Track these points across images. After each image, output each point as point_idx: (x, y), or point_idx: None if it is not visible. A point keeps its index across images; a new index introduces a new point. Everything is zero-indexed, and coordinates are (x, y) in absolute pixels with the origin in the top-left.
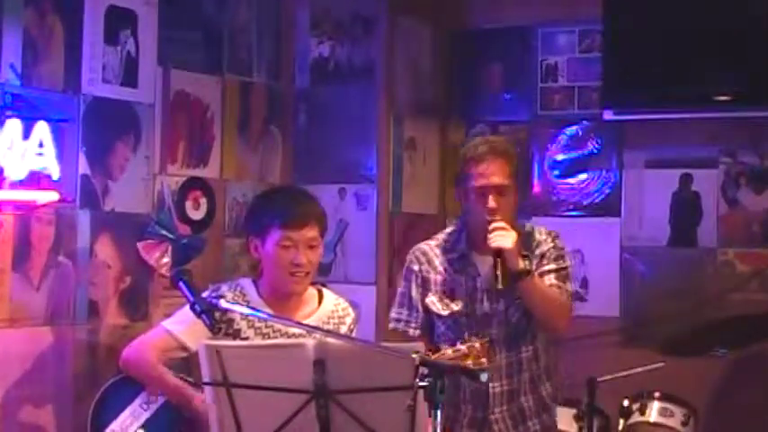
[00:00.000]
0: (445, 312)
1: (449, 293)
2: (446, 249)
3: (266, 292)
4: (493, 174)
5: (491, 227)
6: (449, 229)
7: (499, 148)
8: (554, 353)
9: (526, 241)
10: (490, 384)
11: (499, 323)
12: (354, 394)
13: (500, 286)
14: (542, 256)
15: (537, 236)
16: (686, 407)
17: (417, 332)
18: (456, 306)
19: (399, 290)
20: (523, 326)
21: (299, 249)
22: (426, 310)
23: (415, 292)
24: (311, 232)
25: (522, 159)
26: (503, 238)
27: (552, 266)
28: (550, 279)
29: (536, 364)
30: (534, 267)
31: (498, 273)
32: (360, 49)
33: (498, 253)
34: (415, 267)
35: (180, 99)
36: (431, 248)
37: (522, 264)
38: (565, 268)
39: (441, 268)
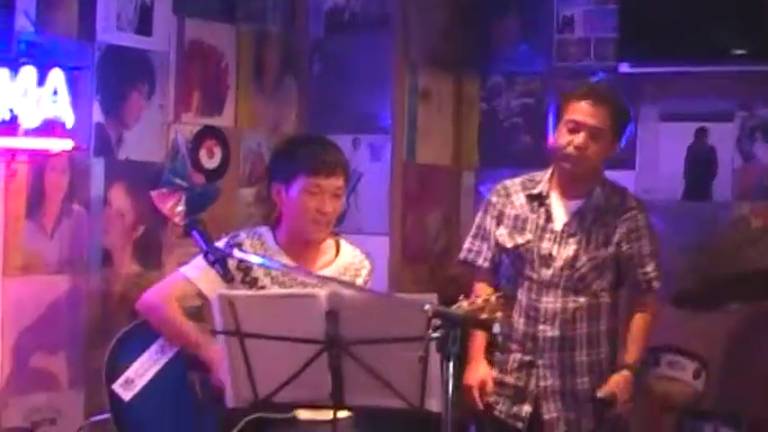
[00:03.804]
0: (510, 245)
1: (518, 228)
2: (526, 186)
3: (284, 240)
4: (590, 114)
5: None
6: (538, 172)
7: (602, 94)
8: (618, 319)
9: (609, 199)
10: (540, 328)
11: (562, 268)
12: (367, 345)
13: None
14: (630, 231)
15: (628, 201)
16: (698, 360)
17: (486, 264)
18: (521, 240)
19: (476, 221)
20: (590, 279)
21: (325, 197)
22: (496, 242)
23: (489, 224)
24: (338, 181)
25: (627, 115)
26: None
27: (650, 247)
28: (649, 269)
29: (596, 321)
30: (617, 238)
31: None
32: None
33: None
34: (494, 199)
35: (194, 48)
36: (513, 184)
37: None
38: (658, 247)
39: (517, 203)
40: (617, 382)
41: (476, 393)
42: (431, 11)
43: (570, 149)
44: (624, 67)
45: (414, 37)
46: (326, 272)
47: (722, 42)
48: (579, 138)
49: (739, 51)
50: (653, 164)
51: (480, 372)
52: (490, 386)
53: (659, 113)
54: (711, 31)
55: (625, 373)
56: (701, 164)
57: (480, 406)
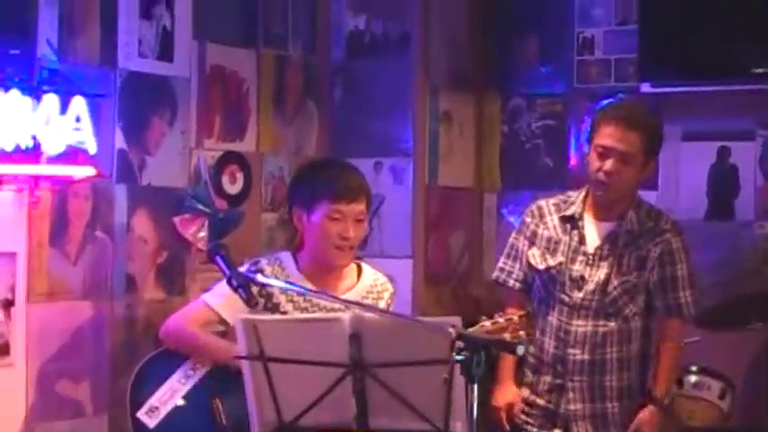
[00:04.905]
0: (542, 266)
1: (551, 250)
2: (560, 208)
3: (306, 266)
4: (618, 139)
5: None
6: (573, 192)
7: (632, 117)
8: (651, 344)
9: (643, 223)
10: (570, 351)
11: (593, 291)
12: (391, 368)
13: None
14: (663, 254)
15: (663, 224)
16: (723, 380)
17: (518, 285)
18: (553, 262)
19: (510, 240)
20: (622, 303)
21: (348, 223)
22: (527, 263)
23: (522, 244)
24: (360, 206)
25: (658, 136)
26: None
27: (684, 271)
28: (680, 294)
29: (627, 345)
30: (650, 262)
31: None
32: (395, 22)
33: None
34: (528, 220)
35: (216, 73)
36: (546, 205)
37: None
38: (694, 273)
39: (550, 225)
40: (642, 419)
41: (503, 415)
42: (451, 32)
43: (600, 175)
44: (645, 87)
45: (434, 59)
46: (349, 296)
47: (743, 61)
48: (608, 164)
49: (760, 70)
50: (675, 183)
51: (508, 394)
52: (517, 408)
53: (681, 133)
54: (732, 51)
55: (651, 408)
56: (723, 183)
57: (506, 427)
